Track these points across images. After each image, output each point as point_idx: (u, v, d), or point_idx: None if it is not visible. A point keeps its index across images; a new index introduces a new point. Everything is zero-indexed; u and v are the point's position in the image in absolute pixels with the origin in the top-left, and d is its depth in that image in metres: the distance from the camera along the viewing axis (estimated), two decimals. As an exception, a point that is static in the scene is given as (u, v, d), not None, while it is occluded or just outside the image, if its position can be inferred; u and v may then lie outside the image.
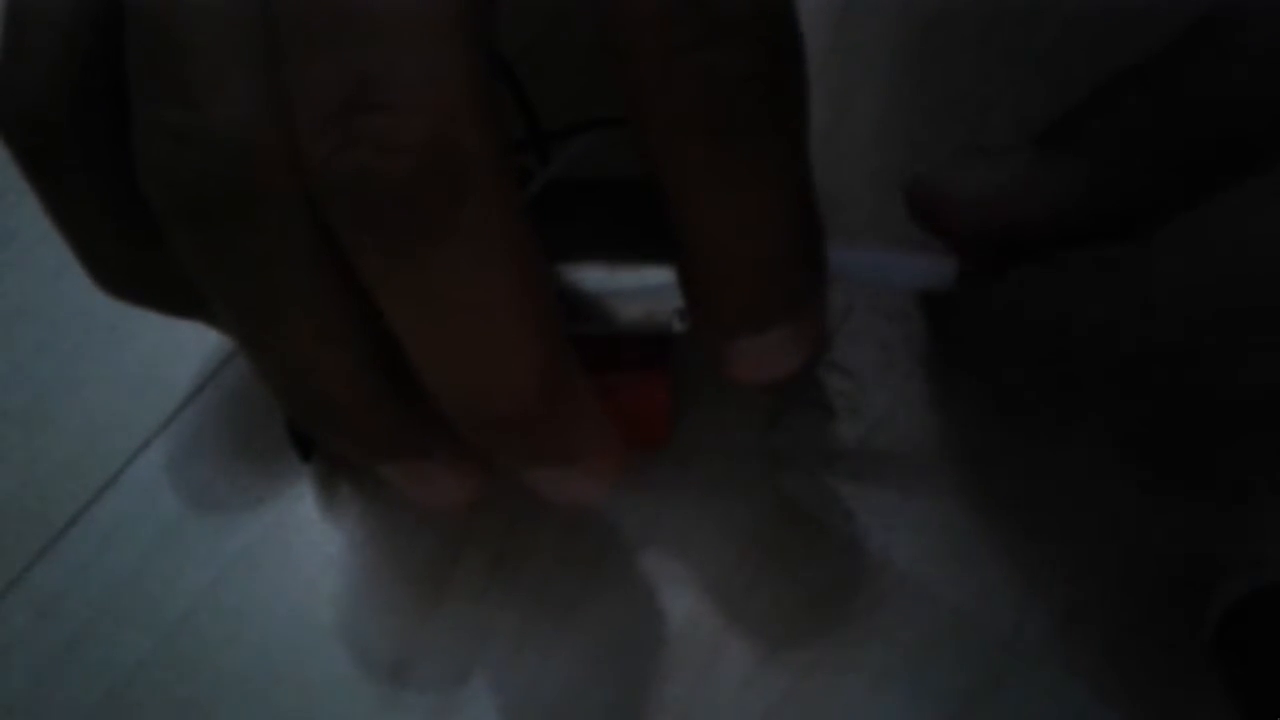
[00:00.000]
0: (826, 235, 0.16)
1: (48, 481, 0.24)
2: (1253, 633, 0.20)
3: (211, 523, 0.23)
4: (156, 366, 0.25)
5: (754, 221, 0.15)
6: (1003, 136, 0.25)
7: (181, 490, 0.24)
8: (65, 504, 0.24)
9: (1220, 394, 0.23)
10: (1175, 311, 0.23)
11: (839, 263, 0.18)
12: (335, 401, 0.16)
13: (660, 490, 0.23)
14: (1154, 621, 0.21)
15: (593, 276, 0.19)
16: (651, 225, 0.19)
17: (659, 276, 0.18)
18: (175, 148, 0.15)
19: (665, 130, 0.14)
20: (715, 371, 0.17)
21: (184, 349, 0.25)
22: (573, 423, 0.16)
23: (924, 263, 0.19)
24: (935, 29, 0.27)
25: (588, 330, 0.19)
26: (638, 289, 0.18)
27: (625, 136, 0.15)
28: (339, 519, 0.23)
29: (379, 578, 0.23)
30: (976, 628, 0.21)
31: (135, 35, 0.15)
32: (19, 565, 0.23)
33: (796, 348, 0.17)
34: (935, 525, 0.22)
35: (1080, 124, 0.19)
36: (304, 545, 0.23)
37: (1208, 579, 0.21)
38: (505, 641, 0.22)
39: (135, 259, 0.18)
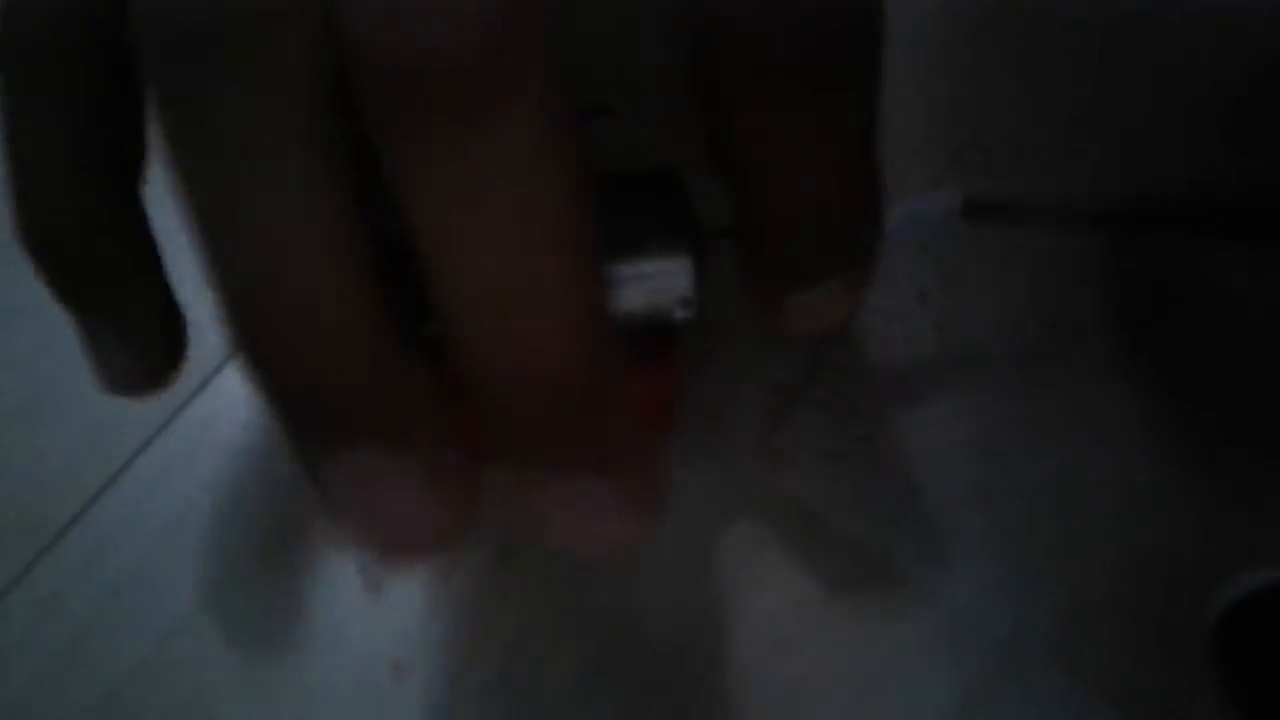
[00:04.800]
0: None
1: (48, 481, 0.24)
2: (1253, 633, 0.20)
3: (211, 522, 0.23)
4: (156, 366, 0.25)
5: (826, 167, 0.15)
6: (1003, 136, 0.25)
7: (181, 490, 0.24)
8: (65, 504, 0.24)
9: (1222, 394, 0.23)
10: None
11: None
12: (312, 316, 0.13)
13: (660, 490, 0.23)
14: (1154, 621, 0.21)
15: None
16: (650, 216, 0.19)
17: (659, 266, 0.18)
18: None
19: (742, 75, 0.14)
20: (766, 325, 0.17)
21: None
22: (617, 406, 0.14)
23: (929, 203, 0.19)
24: (935, 29, 0.27)
25: None
26: (639, 280, 0.18)
27: (616, 124, 0.15)
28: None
29: (380, 575, 0.22)
30: (976, 628, 0.21)
31: None
32: (19, 565, 0.23)
33: (850, 300, 0.17)
34: (935, 525, 0.22)
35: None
36: (304, 545, 0.23)
37: (1208, 579, 0.21)
38: (505, 641, 0.22)
39: (81, 197, 0.16)
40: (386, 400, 0.14)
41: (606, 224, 0.20)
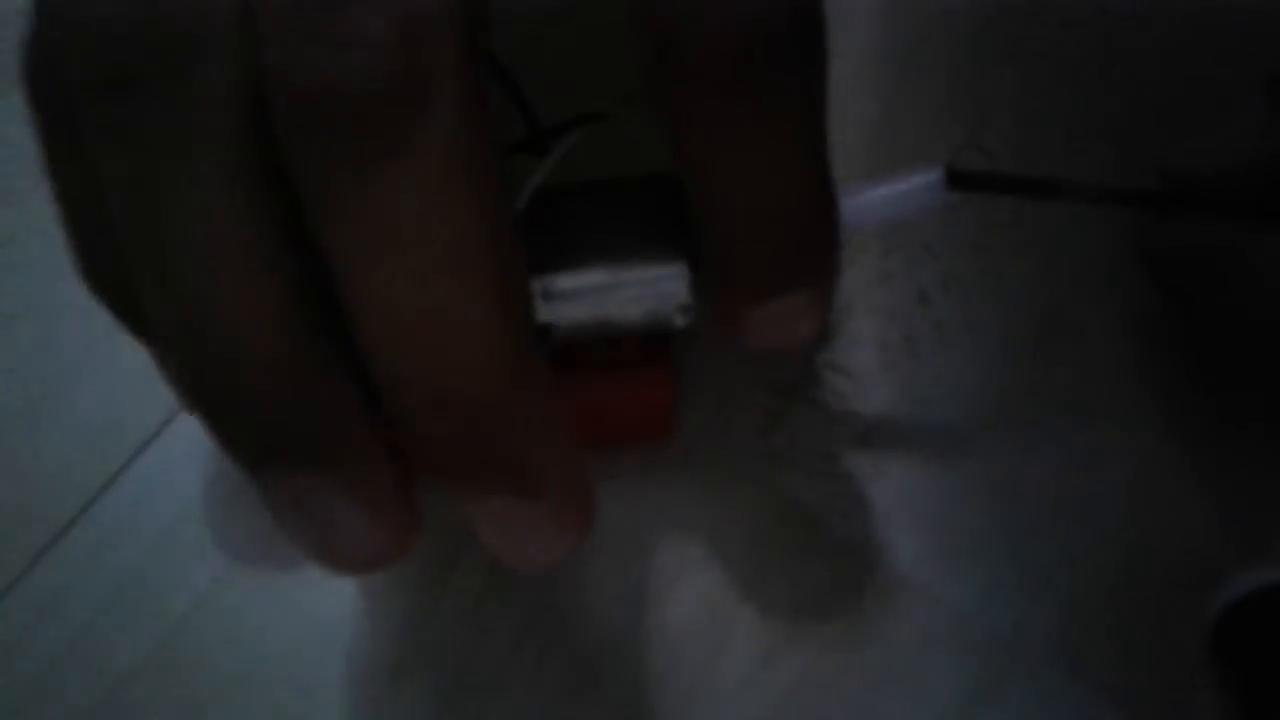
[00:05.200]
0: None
1: (48, 481, 0.24)
2: (1253, 633, 0.20)
3: (211, 522, 0.23)
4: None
5: (775, 179, 0.15)
6: (1003, 136, 0.25)
7: (181, 490, 0.24)
8: (65, 504, 0.24)
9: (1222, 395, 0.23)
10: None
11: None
12: (238, 345, 0.13)
13: (660, 491, 0.23)
14: (1154, 621, 0.21)
15: (591, 279, 0.19)
16: (646, 223, 0.19)
17: (657, 274, 0.18)
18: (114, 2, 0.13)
19: (691, 84, 0.14)
20: (733, 336, 0.17)
21: (184, 349, 0.25)
22: (537, 426, 0.14)
23: (910, 183, 0.19)
24: (935, 29, 0.27)
25: (591, 334, 0.19)
26: (637, 287, 0.18)
27: (612, 131, 0.15)
28: (339, 519, 0.23)
29: (379, 578, 0.22)
30: (976, 628, 0.21)
31: None
32: (19, 565, 0.23)
33: (812, 313, 0.17)
34: (935, 525, 0.22)
35: None
36: (304, 545, 0.23)
37: (1208, 579, 0.21)
38: (505, 641, 0.22)
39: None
40: (313, 422, 0.14)
41: (605, 231, 0.20)
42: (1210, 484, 0.22)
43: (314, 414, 0.14)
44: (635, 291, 0.18)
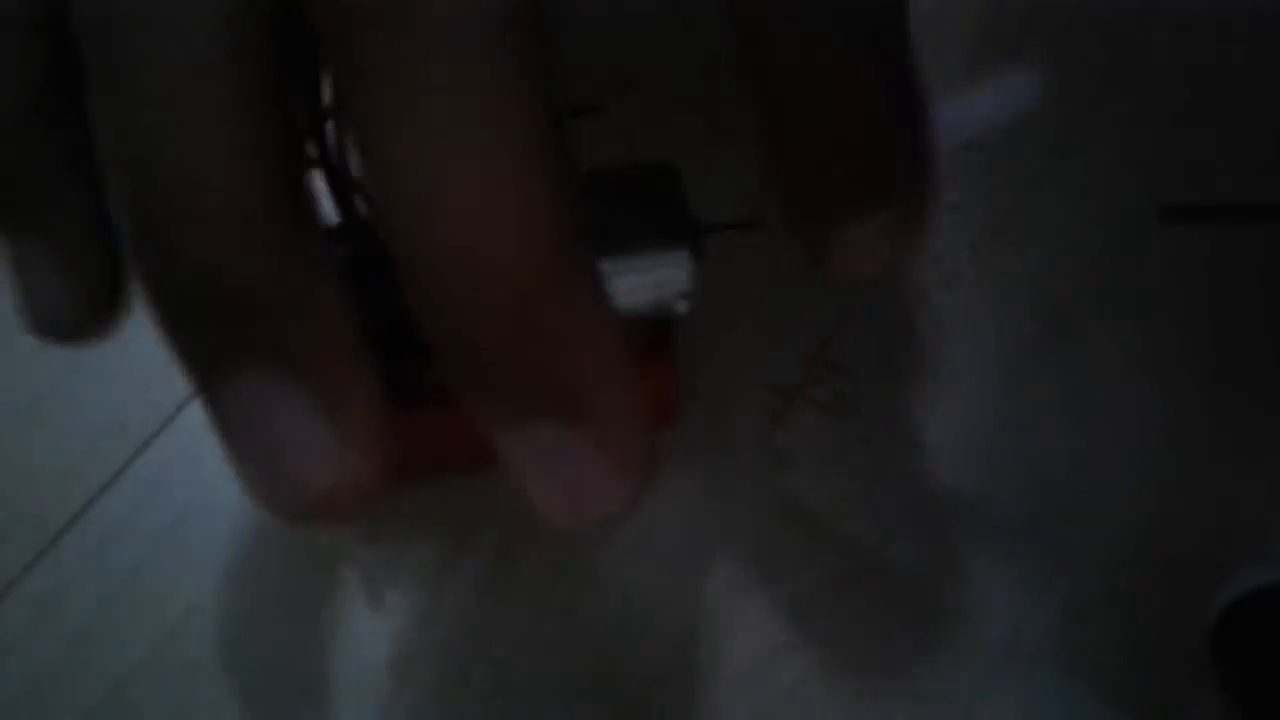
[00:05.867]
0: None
1: (48, 481, 0.24)
2: (1253, 632, 0.20)
3: (211, 522, 0.23)
4: (157, 366, 0.25)
5: (860, 90, 0.14)
6: (1002, 136, 0.25)
7: (181, 490, 0.24)
8: (65, 504, 0.24)
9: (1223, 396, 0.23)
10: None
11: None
12: (198, 184, 0.11)
13: (660, 490, 0.23)
14: (1154, 621, 0.21)
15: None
16: (647, 211, 0.19)
17: (658, 261, 0.18)
18: None
19: None
20: (816, 268, 0.16)
21: (184, 349, 0.25)
22: (589, 331, 0.12)
23: (1007, 88, 0.19)
24: (934, 29, 0.27)
25: None
26: (639, 274, 0.19)
27: (608, 124, 0.15)
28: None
29: (379, 577, 0.23)
30: (976, 628, 0.21)
31: None
32: (19, 565, 0.23)
33: (900, 236, 0.15)
34: (936, 524, 0.22)
35: None
36: (304, 545, 0.23)
37: (1208, 579, 0.21)
38: (505, 641, 0.22)
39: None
40: (283, 315, 0.11)
41: (606, 220, 0.20)
42: (1211, 484, 0.22)
43: (284, 304, 0.11)
44: (638, 279, 0.18)
